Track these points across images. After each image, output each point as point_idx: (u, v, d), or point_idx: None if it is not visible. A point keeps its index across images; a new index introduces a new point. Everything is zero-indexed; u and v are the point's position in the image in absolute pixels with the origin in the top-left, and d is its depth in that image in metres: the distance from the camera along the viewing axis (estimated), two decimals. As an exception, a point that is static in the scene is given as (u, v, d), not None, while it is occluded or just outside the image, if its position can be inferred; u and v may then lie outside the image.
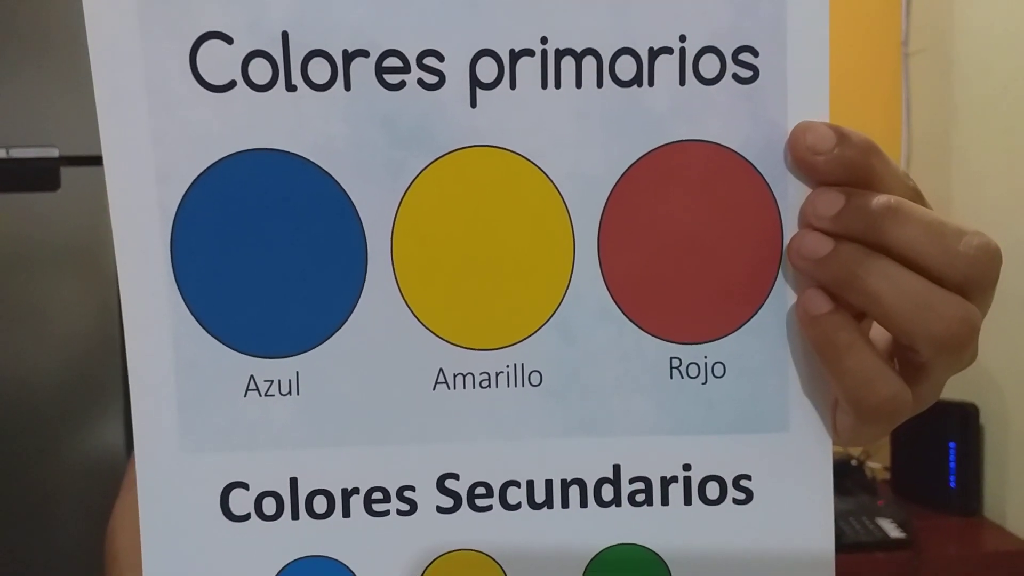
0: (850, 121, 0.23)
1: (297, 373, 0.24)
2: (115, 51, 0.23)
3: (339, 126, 0.23)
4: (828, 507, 0.25)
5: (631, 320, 0.24)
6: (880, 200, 0.22)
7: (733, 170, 0.24)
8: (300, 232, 0.24)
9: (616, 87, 0.23)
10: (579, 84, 0.23)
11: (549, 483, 0.25)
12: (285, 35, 0.23)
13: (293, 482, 0.24)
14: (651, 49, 0.23)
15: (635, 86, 0.23)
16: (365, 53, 0.23)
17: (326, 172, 0.23)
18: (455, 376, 0.24)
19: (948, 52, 1.20)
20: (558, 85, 0.23)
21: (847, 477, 1.13)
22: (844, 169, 0.23)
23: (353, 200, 0.24)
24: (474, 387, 0.24)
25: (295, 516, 0.24)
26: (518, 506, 0.25)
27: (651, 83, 0.23)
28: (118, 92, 0.23)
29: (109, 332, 0.86)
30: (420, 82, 0.23)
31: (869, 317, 0.24)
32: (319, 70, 0.23)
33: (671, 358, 0.24)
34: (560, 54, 0.23)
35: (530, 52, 0.23)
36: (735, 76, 0.24)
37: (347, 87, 0.23)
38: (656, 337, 0.24)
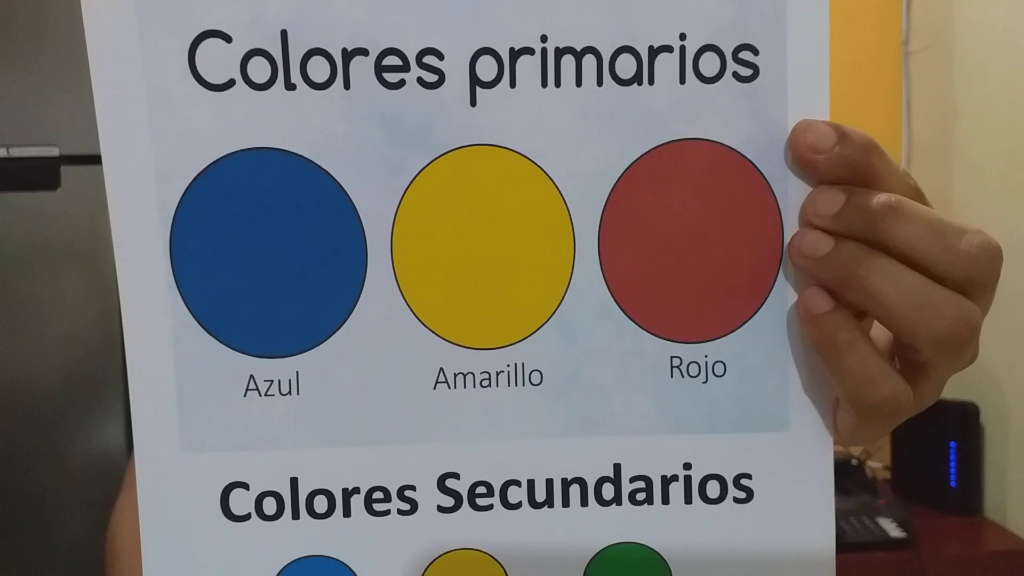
0: (851, 120, 0.23)
1: (297, 373, 0.24)
2: (113, 50, 0.23)
3: (338, 125, 0.23)
4: (829, 506, 0.25)
5: (631, 319, 0.24)
6: (881, 199, 0.22)
7: (733, 169, 0.24)
8: (300, 231, 0.23)
9: (616, 85, 0.23)
10: (579, 82, 0.23)
11: (550, 482, 0.25)
12: (284, 34, 0.23)
13: (293, 482, 0.24)
14: (651, 47, 0.23)
15: (635, 84, 0.23)
16: (364, 52, 0.23)
17: (326, 171, 0.23)
18: (455, 375, 0.24)
19: (948, 51, 1.20)
20: (558, 84, 0.23)
21: (847, 476, 1.13)
22: (845, 167, 0.23)
23: (353, 199, 0.23)
24: (474, 386, 0.24)
25: (295, 516, 0.24)
26: (519, 505, 0.25)
27: (651, 81, 0.23)
28: (117, 91, 0.23)
29: (109, 331, 0.86)
30: (420, 81, 0.23)
31: (870, 316, 0.24)
32: (318, 69, 0.23)
33: (671, 357, 0.24)
34: (560, 52, 0.23)
35: (530, 50, 0.23)
36: (735, 74, 0.23)
37: (346, 86, 0.23)
38: (656, 336, 0.24)
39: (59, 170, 0.85)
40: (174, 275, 0.23)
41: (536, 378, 0.24)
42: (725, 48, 0.23)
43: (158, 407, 0.24)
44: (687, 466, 0.25)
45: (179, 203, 0.23)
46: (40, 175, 0.84)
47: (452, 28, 0.23)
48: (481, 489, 0.25)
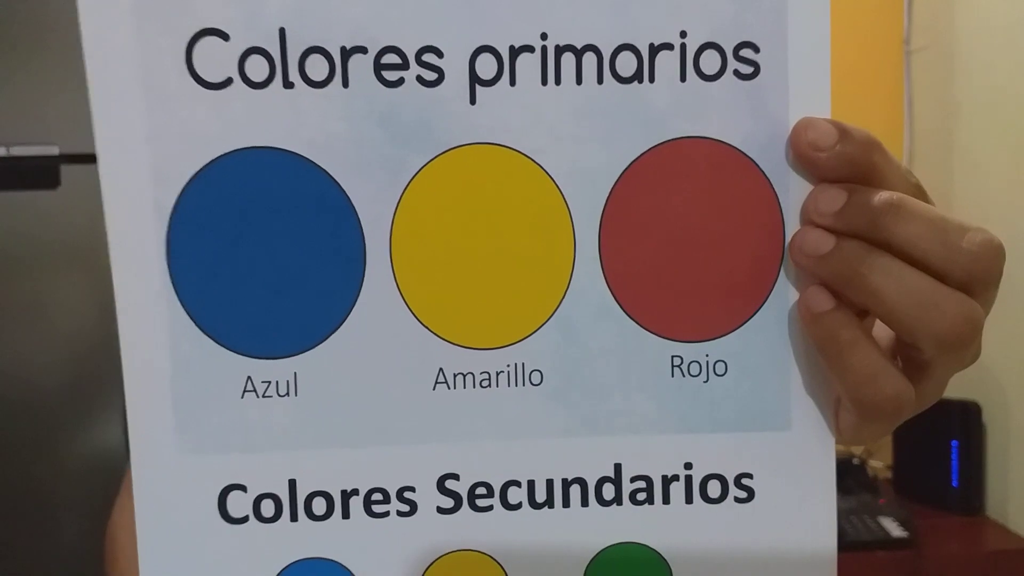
0: (852, 118, 0.23)
1: (295, 374, 0.24)
2: (110, 47, 0.22)
3: (337, 124, 0.23)
4: (830, 506, 0.25)
5: (632, 318, 0.24)
6: (882, 197, 0.22)
7: (734, 167, 0.24)
8: (298, 231, 0.23)
9: (617, 83, 0.23)
10: (579, 80, 0.23)
11: (550, 483, 0.25)
12: (282, 32, 0.23)
13: (292, 483, 0.24)
14: (652, 45, 0.23)
15: (636, 82, 0.23)
16: (363, 50, 0.23)
17: (324, 170, 0.23)
18: (455, 376, 0.24)
19: (950, 49, 1.20)
20: (558, 81, 0.23)
21: (849, 476, 1.13)
22: (846, 165, 0.22)
23: (351, 198, 0.23)
24: (474, 387, 0.24)
25: (294, 518, 0.24)
26: (519, 506, 0.25)
27: (652, 79, 0.23)
28: (113, 89, 0.23)
29: (109, 330, 0.86)
30: (419, 79, 0.23)
31: (871, 315, 0.24)
32: (317, 67, 0.23)
33: (672, 356, 0.24)
34: (560, 50, 0.23)
35: (530, 48, 0.23)
36: (736, 72, 0.23)
37: (345, 84, 0.23)
38: (657, 335, 0.24)
39: (59, 169, 0.85)
40: (171, 276, 0.23)
41: (536, 378, 0.24)
42: (726, 46, 0.23)
43: (154, 409, 0.24)
44: (688, 466, 0.25)
45: (176, 203, 0.23)
46: (40, 174, 0.84)
47: (451, 26, 0.23)
48: (481, 490, 0.25)
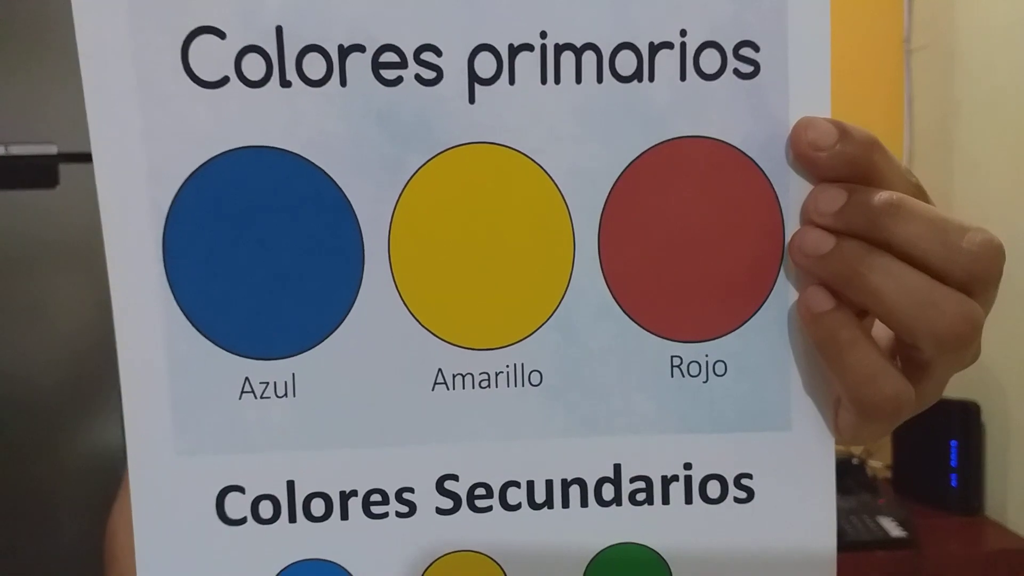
0: (852, 117, 0.23)
1: (293, 375, 0.24)
2: (104, 46, 0.22)
3: (335, 123, 0.23)
4: (830, 506, 0.25)
5: (632, 319, 0.24)
6: (882, 196, 0.22)
7: (734, 166, 0.24)
8: (295, 231, 0.23)
9: (616, 82, 0.23)
10: (579, 79, 0.23)
11: (549, 483, 0.25)
12: (279, 29, 0.23)
13: (290, 485, 0.24)
14: (651, 44, 0.23)
15: (635, 81, 0.23)
16: (361, 48, 0.23)
17: (322, 170, 0.23)
18: (454, 376, 0.24)
19: (950, 48, 1.20)
20: (557, 80, 0.23)
21: (848, 475, 1.13)
22: (846, 165, 0.22)
23: (349, 198, 0.23)
24: (473, 387, 0.24)
25: (292, 519, 0.24)
26: (518, 506, 0.25)
27: (651, 78, 0.23)
28: (108, 88, 0.22)
29: (108, 330, 0.86)
30: (417, 77, 0.23)
31: (871, 315, 0.24)
32: (314, 65, 0.23)
33: (672, 356, 0.24)
34: (560, 49, 0.23)
35: (529, 47, 0.23)
36: (736, 71, 0.23)
37: (343, 83, 0.23)
38: (657, 335, 0.24)
39: (57, 168, 0.85)
40: (167, 276, 0.23)
41: (536, 378, 0.24)
42: (726, 45, 0.23)
43: (151, 410, 0.23)
44: (687, 466, 0.25)
45: (172, 203, 0.23)
46: (38, 173, 0.84)
47: (450, 24, 0.23)
48: (480, 490, 0.24)
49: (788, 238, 0.24)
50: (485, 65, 0.23)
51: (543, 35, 0.23)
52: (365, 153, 0.23)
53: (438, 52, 0.23)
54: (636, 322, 0.24)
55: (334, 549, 0.24)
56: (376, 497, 0.24)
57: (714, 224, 0.24)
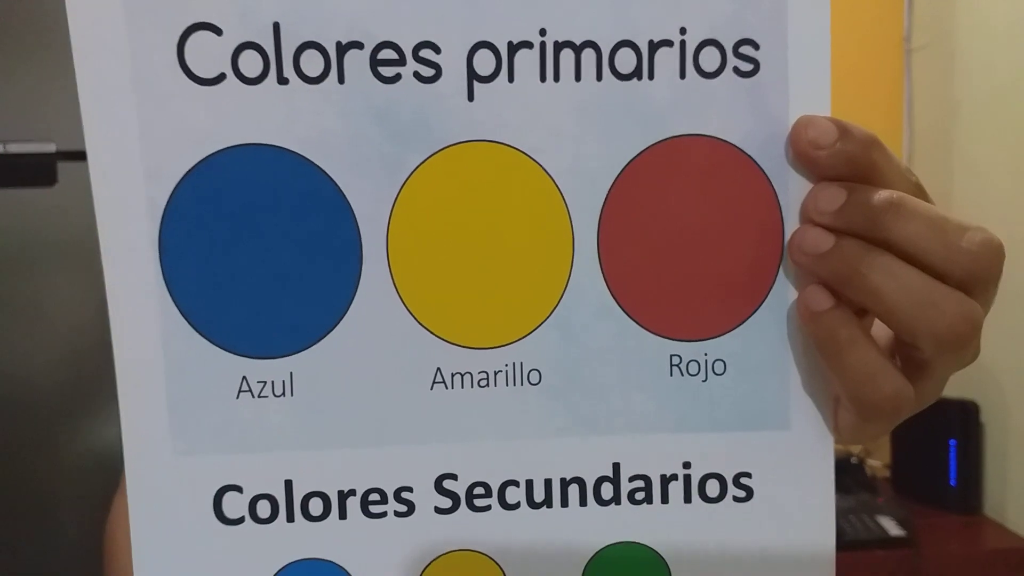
0: (852, 117, 0.23)
1: (291, 374, 0.24)
2: (99, 42, 0.22)
3: (333, 120, 0.23)
4: (829, 505, 0.25)
5: (631, 317, 0.24)
6: (882, 195, 0.22)
7: (734, 165, 0.24)
8: (293, 229, 0.23)
9: (616, 80, 0.23)
10: (578, 77, 0.23)
11: (548, 482, 0.25)
12: (276, 26, 0.22)
13: (288, 484, 0.24)
14: (651, 42, 0.23)
15: (635, 79, 0.23)
16: (359, 45, 0.23)
17: (319, 167, 0.23)
18: (453, 375, 0.24)
19: (950, 48, 1.20)
20: (557, 78, 0.23)
21: (847, 475, 1.13)
22: (846, 164, 0.22)
23: (347, 196, 0.23)
24: (472, 386, 0.24)
25: (290, 519, 0.24)
26: (517, 506, 0.25)
27: (651, 76, 0.23)
28: (103, 86, 0.22)
29: (107, 328, 0.86)
30: (416, 75, 0.23)
31: (871, 314, 0.24)
32: (312, 62, 0.23)
33: (671, 355, 0.24)
34: (559, 46, 0.23)
35: (528, 44, 0.23)
36: (736, 69, 0.23)
37: (341, 80, 0.23)
38: (656, 334, 0.24)
39: (55, 166, 0.85)
40: (163, 275, 0.23)
41: (535, 377, 0.24)
42: (725, 43, 0.23)
43: (148, 410, 0.23)
44: (686, 465, 0.25)
45: (168, 201, 0.23)
46: (36, 171, 0.84)
47: (449, 21, 0.23)
48: (479, 490, 0.24)
49: (788, 237, 0.24)
50: (484, 63, 0.23)
51: (542, 33, 0.23)
52: (363, 151, 0.23)
53: (437, 49, 0.23)
54: (635, 321, 0.24)
55: (332, 548, 0.24)
56: (375, 496, 0.24)
57: (713, 223, 0.24)
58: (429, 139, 0.23)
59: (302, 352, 0.24)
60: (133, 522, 0.24)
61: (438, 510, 0.24)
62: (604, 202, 0.24)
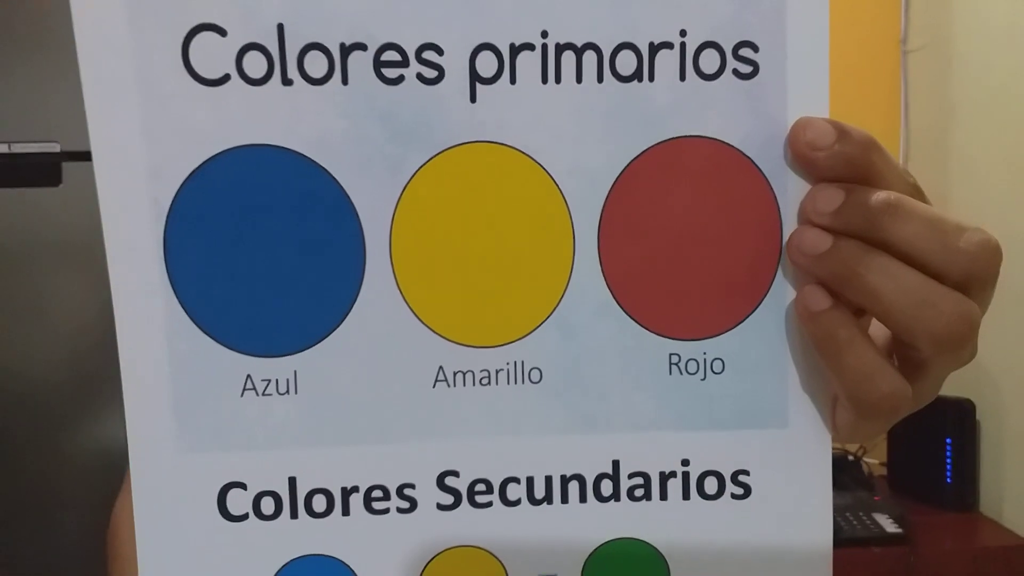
0: (849, 118, 0.23)
1: (295, 372, 0.24)
2: (104, 43, 0.22)
3: (336, 121, 0.23)
4: (826, 503, 0.25)
5: (631, 317, 0.24)
6: (880, 196, 0.22)
7: (733, 166, 0.24)
8: (297, 229, 0.23)
9: (616, 82, 0.23)
10: (579, 79, 0.23)
11: (549, 479, 0.25)
12: (280, 27, 0.23)
13: (292, 481, 0.24)
14: (651, 44, 0.23)
15: (635, 81, 0.23)
16: (363, 46, 0.23)
17: (323, 168, 0.23)
18: (455, 374, 0.24)
19: (947, 50, 1.20)
20: (558, 80, 0.23)
21: (844, 472, 1.13)
22: (844, 165, 0.23)
23: (351, 196, 0.23)
24: (474, 384, 0.24)
25: (294, 515, 0.24)
26: (518, 502, 0.25)
27: (651, 78, 0.23)
28: (108, 86, 0.22)
29: (111, 327, 0.85)
30: (419, 76, 0.23)
31: (868, 314, 0.24)
32: (316, 64, 0.23)
33: (670, 354, 0.24)
34: (561, 48, 0.23)
35: (530, 46, 0.23)
36: (735, 71, 0.23)
37: (344, 81, 0.23)
38: (656, 333, 0.24)
39: (60, 166, 0.85)
40: (168, 274, 0.23)
41: (536, 376, 0.24)
42: (725, 45, 0.23)
43: (153, 408, 0.23)
44: (685, 462, 0.25)
45: (173, 201, 0.23)
46: (41, 171, 0.84)
47: (452, 23, 0.23)
48: (480, 486, 0.25)
49: (786, 237, 0.24)
50: (486, 64, 0.23)
51: (544, 35, 0.23)
52: (366, 152, 0.23)
53: (439, 51, 0.23)
54: (635, 320, 0.24)
55: (336, 545, 0.24)
56: (377, 493, 0.24)
57: (713, 223, 0.24)
58: (432, 140, 0.23)
59: (306, 350, 0.24)
60: (138, 519, 0.24)
61: (440, 506, 0.25)
62: (604, 202, 0.24)
